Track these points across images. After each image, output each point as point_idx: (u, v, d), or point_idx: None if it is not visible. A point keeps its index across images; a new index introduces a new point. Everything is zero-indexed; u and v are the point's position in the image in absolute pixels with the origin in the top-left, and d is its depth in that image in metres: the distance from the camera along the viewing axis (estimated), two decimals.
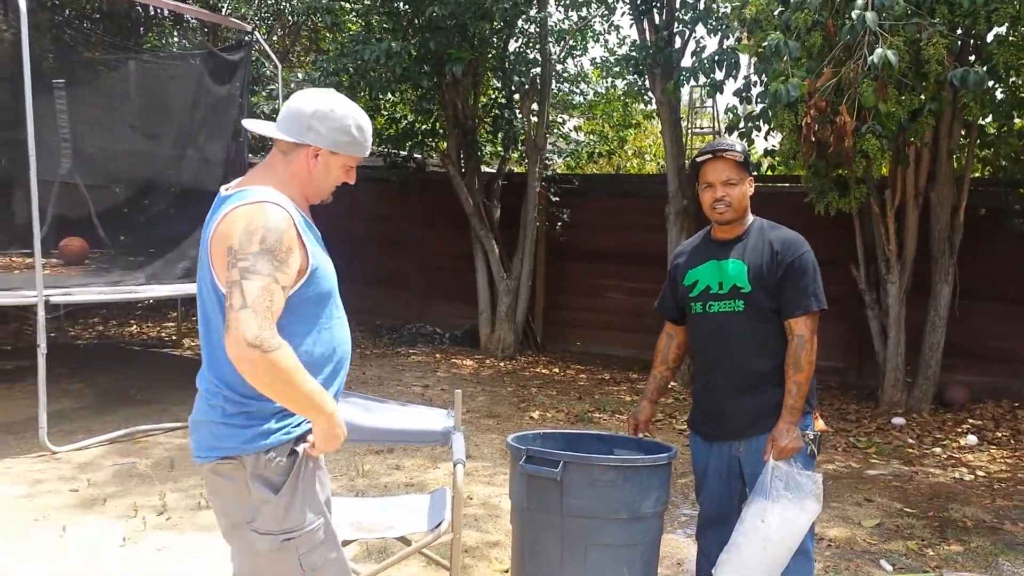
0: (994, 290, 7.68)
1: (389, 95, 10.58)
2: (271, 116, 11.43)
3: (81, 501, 4.69)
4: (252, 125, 2.47)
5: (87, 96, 8.60)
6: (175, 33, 14.19)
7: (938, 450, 6.28)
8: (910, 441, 6.49)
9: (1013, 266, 7.68)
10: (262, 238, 2.11)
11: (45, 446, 5.44)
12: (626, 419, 3.29)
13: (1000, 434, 6.67)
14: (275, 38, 14.07)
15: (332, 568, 2.32)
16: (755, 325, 3.03)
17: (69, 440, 5.69)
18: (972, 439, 6.51)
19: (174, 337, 9.80)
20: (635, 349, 9.35)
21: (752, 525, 2.93)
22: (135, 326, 10.68)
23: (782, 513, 2.89)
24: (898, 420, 6.93)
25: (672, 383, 8.39)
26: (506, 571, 3.86)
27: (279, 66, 8.77)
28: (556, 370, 8.98)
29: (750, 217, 3.14)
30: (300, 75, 12.26)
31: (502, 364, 9.04)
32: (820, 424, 3.14)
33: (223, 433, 2.23)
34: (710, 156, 3.06)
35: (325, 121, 2.28)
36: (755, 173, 8.36)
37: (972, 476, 5.69)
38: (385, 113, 12.07)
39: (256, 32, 8.35)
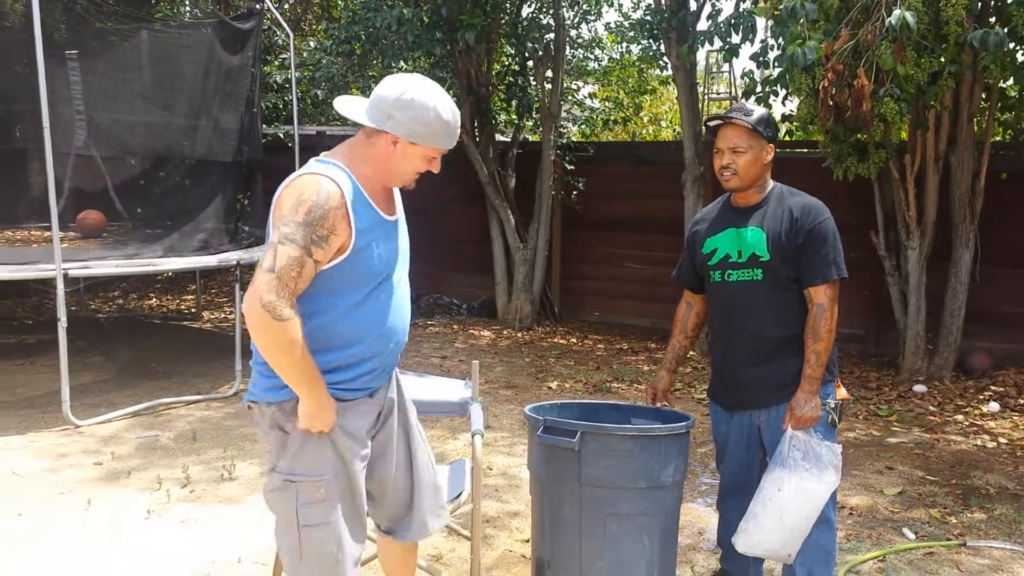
0: (1016, 256, 7.60)
1: (402, 63, 10.50)
2: (283, 85, 11.40)
3: (105, 474, 4.74)
4: (342, 105, 2.46)
5: (100, 67, 8.59)
6: (186, 2, 14.14)
7: (960, 417, 6.25)
8: (931, 409, 6.46)
9: None
10: (308, 210, 2.19)
11: (69, 420, 5.50)
12: (644, 389, 3.27)
13: (1022, 401, 6.63)
14: (286, 6, 14.00)
15: (325, 531, 2.37)
16: (774, 294, 3.00)
17: (92, 414, 5.75)
18: (994, 406, 6.47)
19: (193, 310, 9.86)
20: (652, 318, 9.34)
21: (769, 494, 2.93)
22: (154, 299, 10.75)
23: (799, 483, 2.88)
24: (919, 387, 6.90)
25: (691, 352, 8.39)
26: (527, 541, 3.88)
27: (291, 34, 8.73)
28: (574, 340, 8.98)
29: (770, 183, 3.09)
30: (312, 43, 12.24)
31: (519, 335, 9.04)
32: (842, 392, 3.12)
33: (255, 379, 2.42)
34: (720, 122, 3.03)
35: (405, 110, 2.29)
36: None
37: (995, 443, 5.66)
38: None
39: (267, 0, 8.29)
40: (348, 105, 2.44)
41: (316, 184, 2.24)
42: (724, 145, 3.00)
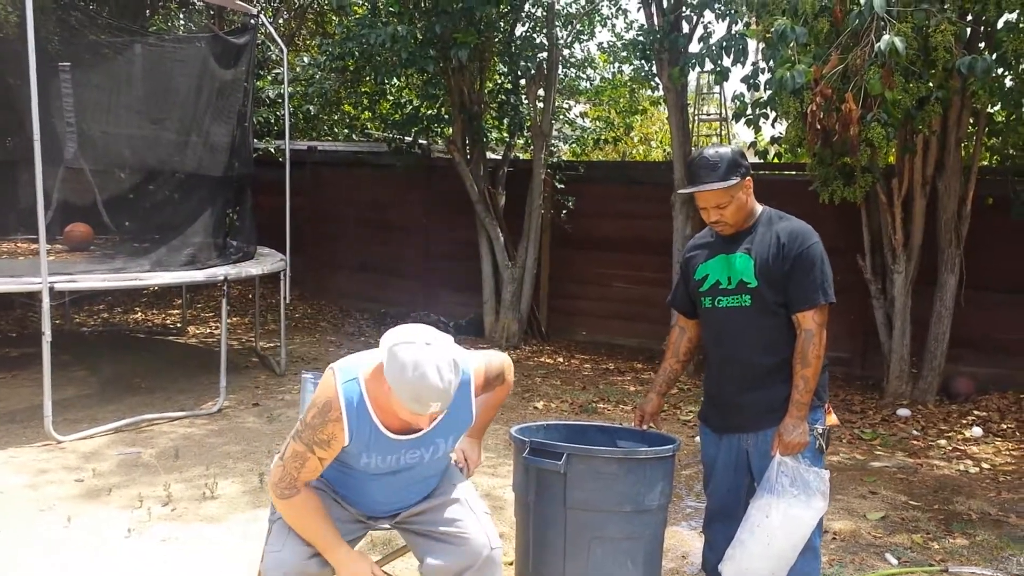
0: (1001, 281, 7.64)
1: (395, 80, 10.54)
2: (276, 100, 11.41)
3: (86, 491, 4.70)
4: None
5: (92, 80, 8.57)
6: (180, 16, 14.16)
7: (943, 442, 6.26)
8: (915, 433, 6.48)
9: (1020, 257, 7.63)
10: (314, 415, 2.50)
11: (50, 435, 5.45)
12: (631, 409, 3.25)
13: (1005, 426, 6.65)
14: (281, 21, 14.04)
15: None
16: (762, 320, 3.01)
17: (74, 429, 5.70)
18: (977, 431, 6.49)
19: (179, 324, 9.81)
20: (640, 338, 9.34)
21: (757, 521, 2.93)
22: (140, 313, 10.69)
23: (787, 510, 2.88)
24: (903, 411, 6.91)
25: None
26: (510, 564, 3.85)
27: (284, 50, 8.74)
28: (560, 359, 8.97)
29: (758, 209, 3.11)
30: (306, 59, 12.26)
31: (506, 353, 9.02)
32: (832, 418, 3.13)
33: None
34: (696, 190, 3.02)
35: (390, 360, 2.36)
36: (762, 160, 8.41)
37: (977, 468, 5.67)
38: (390, 98, 12.03)
39: (262, 15, 8.31)
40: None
41: (327, 393, 2.50)
42: (706, 204, 3.03)
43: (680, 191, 3.02)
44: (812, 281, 2.95)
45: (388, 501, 2.74)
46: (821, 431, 3.01)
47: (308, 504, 2.53)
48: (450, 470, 2.92)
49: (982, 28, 6.69)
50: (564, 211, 9.82)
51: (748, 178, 3.02)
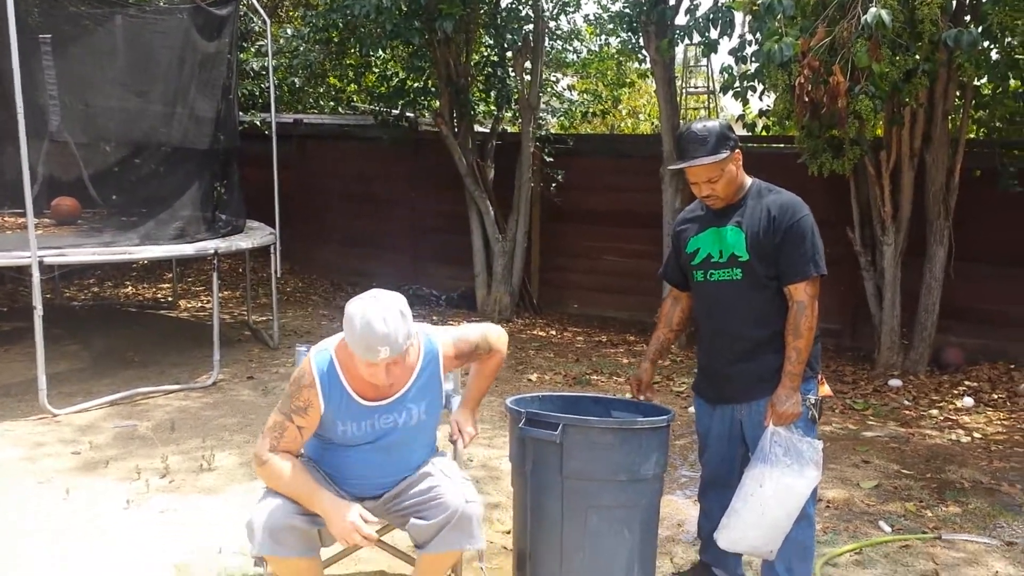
0: (989, 252, 7.69)
1: (380, 52, 10.45)
2: (260, 72, 11.31)
3: (83, 464, 4.71)
4: None
5: (74, 52, 8.45)
6: None
7: (934, 412, 6.34)
8: (906, 403, 6.55)
9: (1008, 228, 7.67)
10: (291, 384, 2.75)
11: (45, 408, 5.45)
12: (626, 381, 3.26)
13: (996, 396, 6.73)
14: None
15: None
16: (753, 293, 3.04)
17: (69, 403, 5.70)
18: (968, 401, 6.57)
19: (170, 298, 9.78)
20: (632, 311, 9.37)
21: (750, 491, 2.97)
22: (130, 287, 10.64)
23: (780, 479, 2.92)
24: (894, 382, 6.99)
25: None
26: (508, 532, 3.90)
27: (268, 21, 8.66)
28: (553, 332, 9.00)
29: (748, 181, 3.13)
30: (289, 30, 12.13)
31: (499, 326, 9.04)
32: (825, 389, 3.17)
33: None
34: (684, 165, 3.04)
35: (346, 321, 2.60)
36: (750, 133, 8.42)
37: (968, 438, 5.75)
38: (376, 70, 11.94)
39: None
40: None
41: (302, 366, 2.76)
42: (697, 179, 3.04)
43: (670, 167, 3.06)
44: (803, 254, 2.97)
45: (372, 475, 2.84)
46: (814, 401, 3.04)
47: (285, 464, 2.66)
48: (434, 456, 2.98)
49: (968, 1, 6.70)
50: (553, 184, 9.81)
51: (737, 151, 3.03)
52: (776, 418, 2.96)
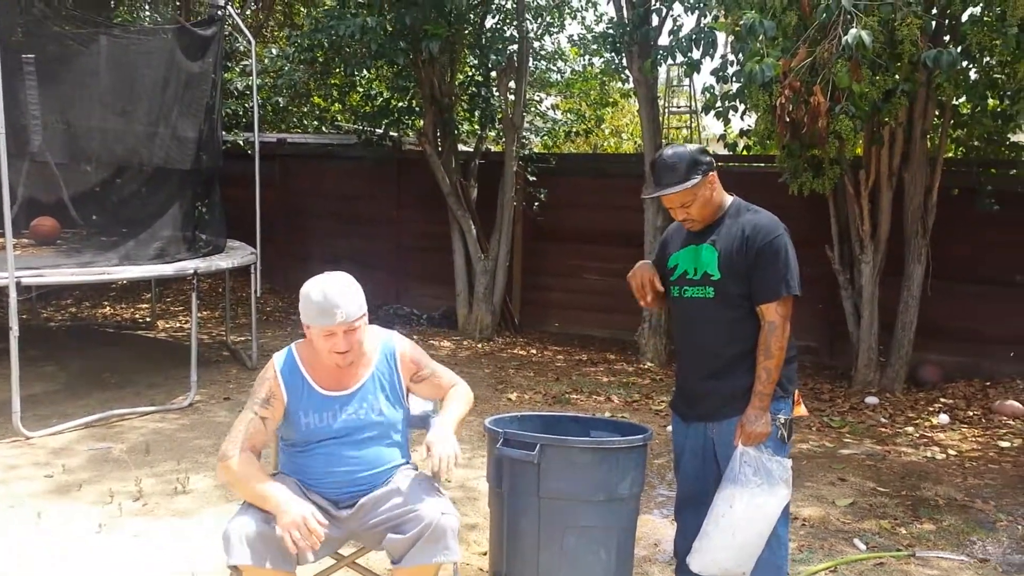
0: (966, 270, 7.77)
1: (364, 71, 10.47)
2: (244, 92, 11.31)
3: (56, 487, 4.66)
4: None
5: (58, 72, 8.43)
6: (146, 7, 13.99)
7: (910, 429, 6.36)
8: (883, 420, 6.57)
9: (985, 246, 7.76)
10: (257, 381, 2.89)
11: (19, 431, 5.39)
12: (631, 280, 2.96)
13: (971, 413, 6.76)
14: (248, 12, 13.91)
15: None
16: (725, 312, 3.04)
17: (43, 425, 5.64)
18: (944, 418, 6.60)
19: (148, 319, 9.72)
20: (613, 329, 9.39)
21: (721, 511, 2.96)
22: (108, 307, 10.57)
23: (751, 499, 2.91)
24: (871, 399, 7.01)
25: (649, 363, 8.41)
26: (484, 553, 3.88)
27: (252, 41, 8.65)
28: (534, 351, 8.99)
29: (727, 200, 3.13)
30: (274, 50, 12.15)
31: (480, 345, 9.04)
32: (801, 409, 3.16)
33: None
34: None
35: (302, 300, 2.79)
36: (731, 152, 8.47)
37: (944, 455, 5.77)
38: (360, 90, 11.96)
39: (229, 6, 8.22)
40: None
41: (267, 365, 2.91)
42: (672, 205, 3.07)
43: (643, 196, 3.09)
44: (775, 273, 2.97)
45: (342, 474, 2.85)
46: (783, 421, 3.04)
47: (245, 465, 2.71)
48: (406, 470, 2.98)
49: (947, 22, 6.78)
50: (536, 203, 9.84)
51: (712, 173, 3.03)
52: (745, 438, 2.96)
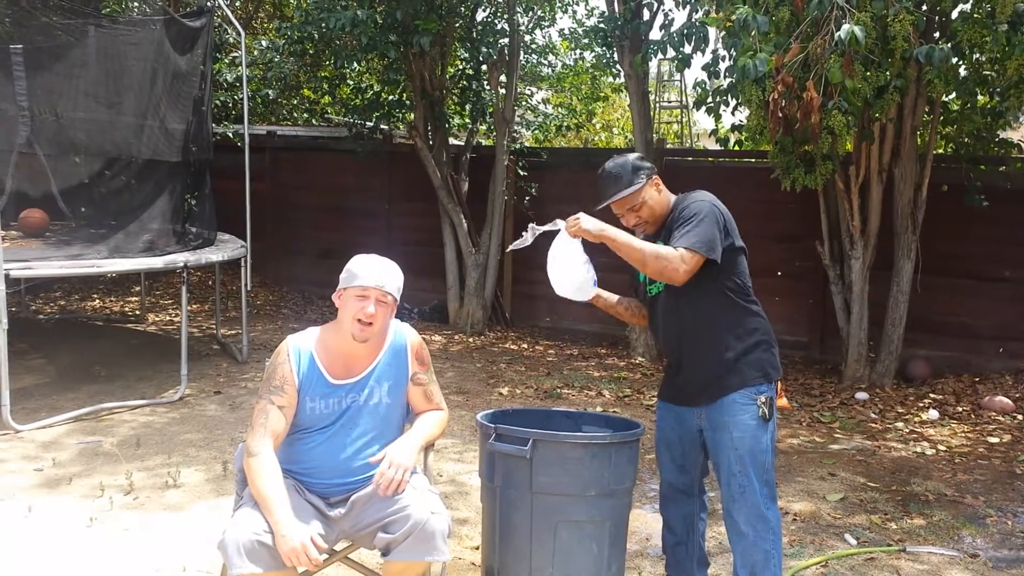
0: (955, 266, 7.79)
1: (355, 64, 10.44)
2: (234, 84, 11.25)
3: (46, 481, 4.64)
4: None
5: (45, 63, 8.37)
6: None
7: (900, 424, 6.39)
8: (873, 416, 6.60)
9: (974, 242, 7.79)
10: (267, 368, 2.90)
11: (8, 424, 5.36)
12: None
13: (961, 408, 6.80)
14: (238, 4, 13.82)
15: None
16: (676, 302, 3.12)
17: (32, 418, 5.62)
18: (933, 413, 6.63)
19: (137, 312, 9.67)
20: (603, 324, 9.37)
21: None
22: (97, 300, 10.52)
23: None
24: (861, 395, 7.04)
25: (640, 358, 8.43)
26: (476, 548, 3.88)
27: (242, 33, 8.60)
28: (525, 346, 8.99)
29: (671, 198, 3.23)
30: (264, 42, 12.09)
31: (471, 340, 9.03)
32: (783, 401, 3.20)
33: None
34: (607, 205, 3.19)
35: (345, 272, 2.92)
36: (723, 148, 8.49)
37: (934, 450, 5.80)
38: (351, 83, 11.92)
39: None
40: None
41: (278, 348, 2.91)
42: (621, 212, 3.20)
43: (596, 208, 3.18)
44: (681, 231, 2.99)
45: (336, 464, 2.87)
46: (764, 400, 3.04)
47: (267, 466, 2.71)
48: None
49: (937, 18, 6.79)
50: (527, 198, 9.83)
51: (655, 176, 3.17)
52: (569, 227, 3.23)
